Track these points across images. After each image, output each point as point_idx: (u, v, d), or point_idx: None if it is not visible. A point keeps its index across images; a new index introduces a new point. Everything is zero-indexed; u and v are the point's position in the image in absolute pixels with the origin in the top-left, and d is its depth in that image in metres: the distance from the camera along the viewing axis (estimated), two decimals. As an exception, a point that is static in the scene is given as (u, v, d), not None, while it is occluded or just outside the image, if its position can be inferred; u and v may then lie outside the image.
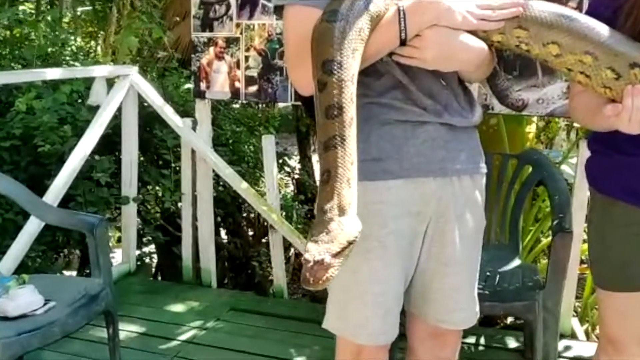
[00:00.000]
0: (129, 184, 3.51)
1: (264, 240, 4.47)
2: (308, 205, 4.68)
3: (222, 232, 4.53)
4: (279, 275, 3.43)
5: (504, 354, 2.72)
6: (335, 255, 1.12)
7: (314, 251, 1.12)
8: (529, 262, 3.20)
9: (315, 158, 4.97)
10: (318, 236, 1.14)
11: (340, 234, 1.14)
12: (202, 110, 3.37)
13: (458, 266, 1.49)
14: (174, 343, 2.79)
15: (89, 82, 3.37)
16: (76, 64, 3.83)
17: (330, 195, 1.17)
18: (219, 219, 4.03)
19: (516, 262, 2.46)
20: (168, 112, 3.40)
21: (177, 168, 3.54)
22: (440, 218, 1.45)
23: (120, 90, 3.32)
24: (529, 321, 2.15)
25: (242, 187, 3.36)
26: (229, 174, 3.39)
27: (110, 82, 3.43)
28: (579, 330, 2.92)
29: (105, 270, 2.23)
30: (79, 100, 3.48)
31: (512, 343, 2.78)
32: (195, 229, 3.53)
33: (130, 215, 3.57)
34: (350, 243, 1.15)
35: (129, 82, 3.35)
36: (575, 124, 4.18)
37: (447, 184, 1.44)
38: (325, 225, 1.15)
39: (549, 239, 3.54)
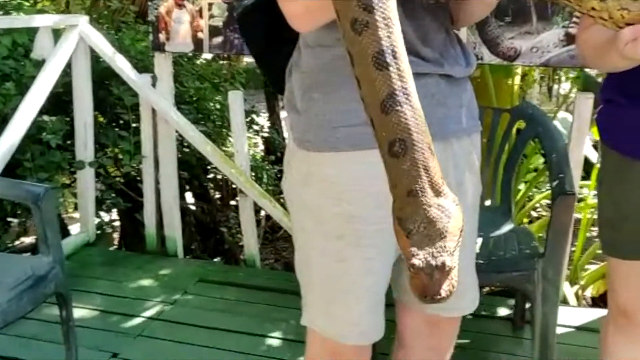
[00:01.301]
0: (85, 147, 3.22)
1: (232, 203, 4.22)
2: (278, 165, 4.43)
3: (188, 196, 4.26)
4: (250, 242, 3.20)
5: (493, 323, 2.55)
6: (453, 252, 0.83)
7: (424, 255, 0.81)
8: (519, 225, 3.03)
9: (284, 114, 4.70)
10: (419, 231, 0.84)
11: (448, 222, 0.84)
12: (162, 64, 3.07)
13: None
14: (137, 320, 2.56)
15: (33, 33, 3.03)
16: (21, 14, 3.46)
17: (414, 172, 0.86)
18: (183, 182, 3.76)
19: (509, 225, 2.26)
20: (123, 67, 3.08)
21: (137, 129, 3.26)
22: None
23: (68, 41, 2.99)
24: (528, 291, 1.96)
25: (207, 149, 3.10)
26: (194, 135, 3.11)
27: (59, 34, 3.10)
28: (570, 295, 2.77)
29: (54, 246, 1.97)
30: (23, 55, 3.14)
31: (502, 311, 2.62)
32: (158, 194, 3.28)
33: (87, 180, 3.29)
34: (461, 231, 0.87)
35: (78, 33, 3.02)
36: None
37: (447, 148, 1.21)
38: (422, 214, 0.84)
39: (537, 198, 3.39)
